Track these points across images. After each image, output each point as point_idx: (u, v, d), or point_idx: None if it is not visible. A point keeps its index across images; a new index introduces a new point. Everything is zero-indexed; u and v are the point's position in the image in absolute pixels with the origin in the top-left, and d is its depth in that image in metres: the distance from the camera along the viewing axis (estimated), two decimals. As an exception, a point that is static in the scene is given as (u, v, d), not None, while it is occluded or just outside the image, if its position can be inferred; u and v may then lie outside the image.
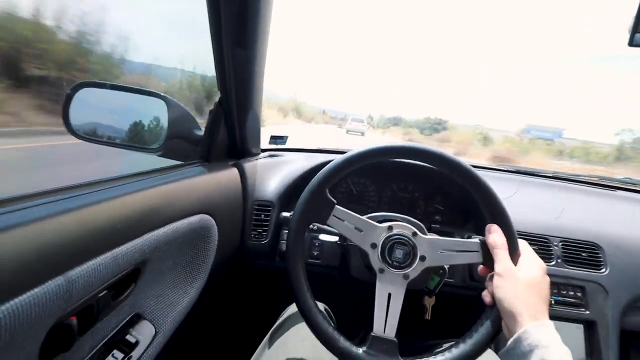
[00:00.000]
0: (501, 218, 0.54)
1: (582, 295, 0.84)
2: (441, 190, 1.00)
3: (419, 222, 0.66)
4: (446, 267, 0.71)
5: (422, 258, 0.56)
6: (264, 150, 1.07)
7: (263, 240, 0.84)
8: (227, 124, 0.79)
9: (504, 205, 0.55)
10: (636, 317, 0.87)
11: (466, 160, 0.59)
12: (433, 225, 0.91)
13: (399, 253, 0.56)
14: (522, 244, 0.55)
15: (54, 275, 0.34)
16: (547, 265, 0.83)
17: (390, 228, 0.57)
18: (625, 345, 0.83)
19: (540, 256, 0.85)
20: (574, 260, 0.86)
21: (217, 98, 0.78)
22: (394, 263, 0.56)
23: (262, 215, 0.85)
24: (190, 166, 0.74)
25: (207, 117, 0.79)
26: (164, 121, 0.75)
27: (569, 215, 0.96)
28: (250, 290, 1.16)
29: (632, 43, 0.65)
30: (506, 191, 1.03)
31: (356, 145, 0.61)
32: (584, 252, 0.87)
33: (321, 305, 0.81)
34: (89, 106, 0.73)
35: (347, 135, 17.91)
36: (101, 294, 0.44)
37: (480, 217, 0.90)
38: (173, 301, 0.61)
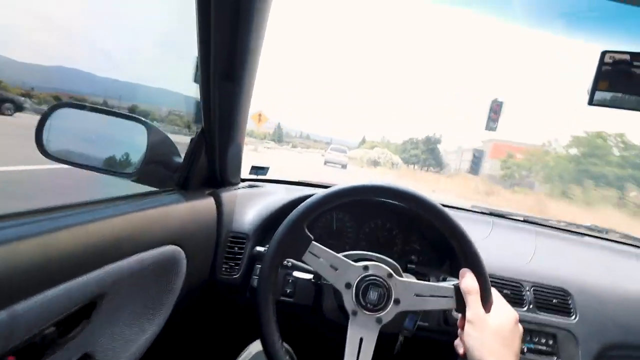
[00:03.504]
0: (474, 263, 0.55)
1: (554, 343, 0.84)
2: (419, 230, 1.00)
3: (395, 263, 0.66)
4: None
5: (397, 301, 0.55)
6: (243, 180, 1.06)
7: (234, 275, 0.81)
8: (207, 152, 0.78)
9: (477, 250, 0.56)
10: None
11: (439, 200, 0.61)
12: (409, 265, 0.90)
13: (373, 295, 0.55)
14: (494, 293, 0.55)
15: None
16: (519, 311, 0.84)
17: (365, 268, 0.57)
18: None
19: (512, 301, 0.86)
20: (545, 307, 0.87)
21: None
22: (368, 305, 0.55)
23: (236, 248, 0.82)
24: (165, 194, 0.72)
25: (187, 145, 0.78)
26: (142, 146, 0.73)
27: (539, 260, 0.98)
28: (216, 324, 1.10)
29: (591, 102, 0.70)
30: (480, 233, 1.05)
31: (337, 179, 0.62)
32: (554, 297, 0.88)
33: (285, 346, 0.77)
34: (65, 127, 0.71)
35: (325, 168, 15.28)
36: (47, 331, 0.40)
37: (456, 259, 0.90)
38: (129, 339, 0.56)
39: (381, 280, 0.56)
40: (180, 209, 0.68)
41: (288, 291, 0.79)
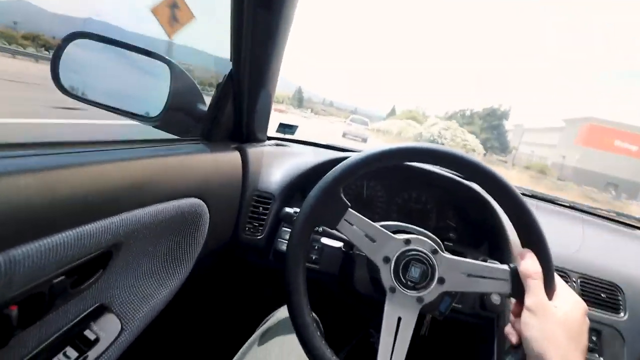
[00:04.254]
0: (538, 244, 0.47)
1: (597, 340, 0.77)
2: (456, 206, 0.92)
3: (437, 239, 0.59)
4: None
5: (441, 280, 0.49)
6: (270, 138, 0.99)
7: (258, 235, 0.76)
8: (235, 101, 0.71)
9: (541, 228, 0.47)
10: None
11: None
12: (446, 243, 0.83)
13: (415, 272, 0.49)
14: (558, 279, 0.47)
15: None
16: None
17: (407, 242, 0.50)
18: None
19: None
20: (592, 300, 0.79)
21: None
22: (408, 283, 0.49)
23: (261, 208, 0.77)
24: (188, 142, 0.66)
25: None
26: (165, 89, 0.67)
27: (588, 250, 0.89)
28: (237, 287, 1.08)
29: None
30: None
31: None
32: (603, 292, 0.80)
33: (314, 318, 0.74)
34: (82, 60, 0.65)
35: (343, 140, 13.44)
36: (56, 280, 0.35)
37: (495, 240, 0.83)
38: (147, 294, 0.53)
39: (424, 255, 0.49)
40: (204, 160, 0.62)
41: (313, 257, 0.74)
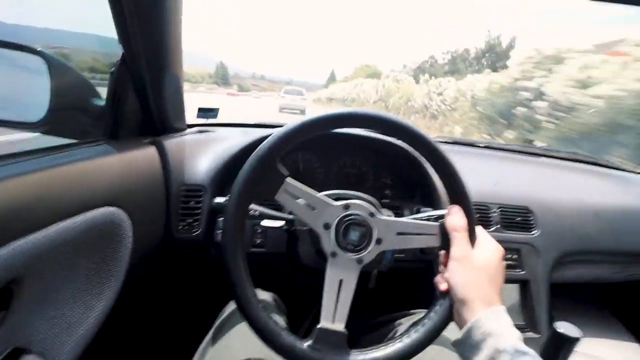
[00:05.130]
0: (463, 199, 0.51)
1: (518, 257, 0.89)
2: (389, 164, 0.97)
3: (375, 201, 0.61)
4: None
5: (379, 241, 0.51)
6: (190, 126, 0.92)
7: (195, 232, 0.72)
8: (137, 89, 0.62)
9: (466, 187, 0.52)
10: (562, 272, 0.96)
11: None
12: (383, 200, 0.87)
13: (354, 235, 0.51)
14: (479, 230, 0.53)
15: None
16: (488, 232, 0.87)
17: (346, 207, 0.51)
18: (551, 296, 0.91)
19: (481, 223, 0.88)
20: (509, 225, 0.91)
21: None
22: (348, 246, 0.50)
23: (192, 202, 0.72)
24: (89, 145, 0.57)
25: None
26: (46, 86, 0.56)
27: (503, 183, 1.00)
28: (184, 288, 1.03)
29: None
30: None
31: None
32: (518, 215, 0.92)
33: (270, 295, 0.73)
34: None
35: (281, 115, 13.45)
36: None
37: (427, 190, 0.89)
38: (73, 322, 0.47)
39: (363, 219, 0.51)
40: (112, 162, 0.55)
41: (258, 241, 0.72)
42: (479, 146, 1.31)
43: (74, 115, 0.58)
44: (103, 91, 0.64)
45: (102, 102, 0.62)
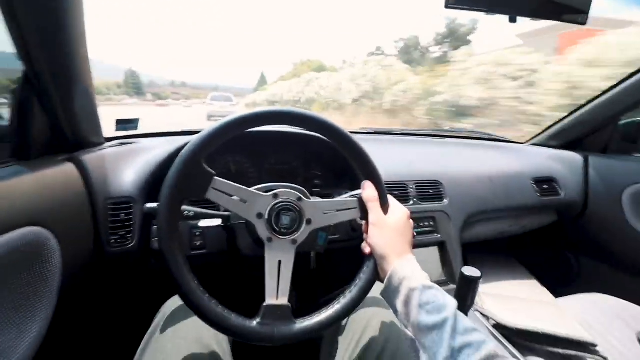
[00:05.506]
0: (373, 175, 0.60)
1: (434, 224, 1.04)
2: (317, 157, 1.04)
3: (302, 188, 0.67)
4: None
5: (309, 221, 0.58)
6: (108, 140, 0.89)
7: (129, 244, 0.71)
8: (44, 107, 0.60)
9: (374, 163, 0.61)
10: (472, 231, 1.14)
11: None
12: (314, 190, 0.95)
13: (285, 219, 0.56)
14: (390, 198, 0.62)
15: None
16: (406, 205, 1.00)
17: (275, 196, 0.57)
18: (464, 254, 1.08)
19: (401, 199, 1.00)
20: (424, 198, 1.05)
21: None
22: (282, 230, 0.56)
23: (122, 215, 0.71)
24: None
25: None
26: None
27: (418, 163, 1.15)
28: (124, 300, 0.99)
29: (447, 5, 0.76)
30: (370, 150, 1.17)
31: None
32: (431, 189, 1.07)
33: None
34: None
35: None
36: None
37: (353, 175, 0.99)
38: (6, 347, 0.45)
39: (292, 204, 0.57)
40: (27, 182, 0.53)
41: (198, 244, 0.74)
42: (397, 133, 1.48)
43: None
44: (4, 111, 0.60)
45: (4, 123, 0.58)
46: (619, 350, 0.78)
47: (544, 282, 1.25)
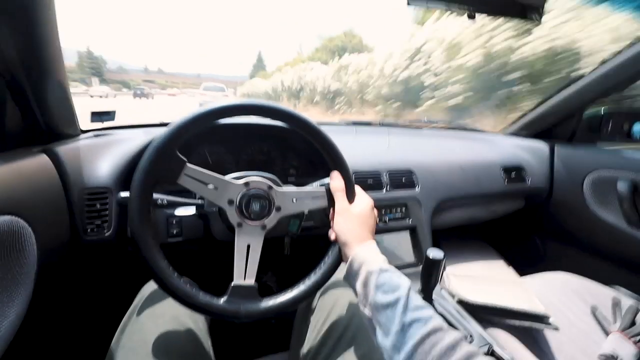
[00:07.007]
0: (340, 165, 0.63)
1: (406, 210, 1.09)
2: (293, 148, 1.07)
3: (274, 177, 0.70)
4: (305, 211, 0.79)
5: (278, 208, 0.61)
6: (85, 132, 0.89)
7: (106, 232, 0.73)
8: (16, 99, 0.61)
9: (341, 155, 0.64)
10: (443, 217, 1.20)
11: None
12: (289, 179, 0.98)
13: (256, 206, 0.59)
14: (357, 188, 0.66)
15: None
16: (380, 193, 1.04)
17: (247, 184, 0.59)
18: (435, 239, 1.14)
19: (375, 187, 1.04)
20: (397, 186, 1.10)
21: None
22: (251, 216, 0.59)
23: (98, 205, 0.72)
24: None
25: None
26: None
27: (392, 153, 1.20)
28: (101, 287, 1.01)
29: (409, 2, 0.79)
30: (346, 140, 1.20)
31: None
32: (404, 177, 1.12)
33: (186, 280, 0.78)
34: None
35: None
36: None
37: (327, 167, 1.02)
38: None
39: (262, 192, 0.60)
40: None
41: (175, 232, 0.77)
42: (374, 124, 1.52)
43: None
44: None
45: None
46: (572, 322, 0.85)
47: (513, 264, 1.33)
